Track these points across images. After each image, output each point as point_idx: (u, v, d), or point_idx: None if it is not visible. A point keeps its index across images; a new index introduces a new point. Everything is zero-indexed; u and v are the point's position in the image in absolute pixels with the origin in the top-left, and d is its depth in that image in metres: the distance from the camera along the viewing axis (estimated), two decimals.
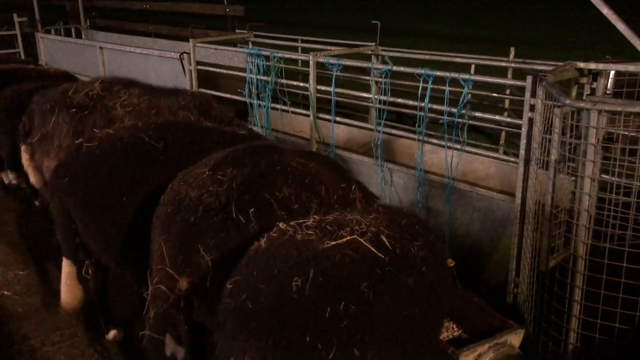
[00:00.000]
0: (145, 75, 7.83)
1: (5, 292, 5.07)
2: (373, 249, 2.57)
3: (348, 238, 2.58)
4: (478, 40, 20.90)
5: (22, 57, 10.79)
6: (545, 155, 3.68)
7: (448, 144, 5.06)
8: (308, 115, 6.14)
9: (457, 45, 16.94)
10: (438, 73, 5.01)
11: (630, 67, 4.35)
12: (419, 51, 7.49)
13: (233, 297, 2.47)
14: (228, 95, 6.94)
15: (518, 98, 6.53)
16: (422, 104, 5.12)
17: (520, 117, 4.30)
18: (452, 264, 3.29)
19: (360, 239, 2.58)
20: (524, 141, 4.23)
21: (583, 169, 3.42)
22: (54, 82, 5.94)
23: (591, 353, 3.48)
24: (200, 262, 3.04)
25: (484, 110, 5.59)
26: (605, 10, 3.90)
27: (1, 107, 5.98)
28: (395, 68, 5.42)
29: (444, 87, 4.95)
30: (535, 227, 3.85)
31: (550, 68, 5.47)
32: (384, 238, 2.65)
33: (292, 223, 2.71)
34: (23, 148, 4.93)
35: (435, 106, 5.15)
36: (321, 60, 5.91)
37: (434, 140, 5.34)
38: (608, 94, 4.45)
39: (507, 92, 6.99)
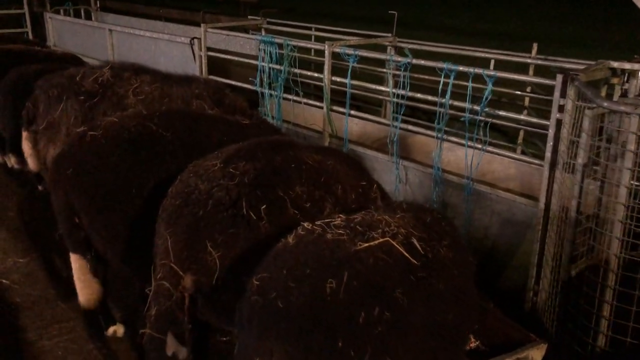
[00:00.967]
0: (154, 60, 7.67)
1: (4, 281, 4.90)
2: (406, 254, 2.49)
3: (380, 240, 2.50)
4: (496, 36, 20.59)
5: (30, 37, 10.63)
6: (572, 158, 3.50)
7: (469, 143, 4.86)
8: (321, 107, 5.94)
9: (474, 40, 16.64)
10: (461, 68, 4.80)
11: None
12: (438, 44, 7.24)
13: (261, 294, 2.35)
14: (239, 84, 6.75)
15: (541, 96, 6.28)
16: (443, 100, 4.91)
17: (540, 116, 4.09)
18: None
19: (392, 242, 2.51)
20: (551, 143, 4.03)
21: (613, 175, 3.23)
22: (62, 65, 5.74)
23: None
24: (207, 258, 2.91)
25: (502, 108, 5.36)
26: None
27: (5, 89, 5.77)
28: (415, 61, 5.20)
29: (463, 82, 4.73)
30: (558, 233, 3.66)
31: (574, 66, 5.25)
32: (415, 241, 2.58)
33: (318, 222, 2.61)
34: (25, 135, 4.75)
35: (456, 103, 4.94)
36: (337, 50, 5.70)
37: (453, 138, 5.14)
38: None
39: (528, 89, 6.74)
